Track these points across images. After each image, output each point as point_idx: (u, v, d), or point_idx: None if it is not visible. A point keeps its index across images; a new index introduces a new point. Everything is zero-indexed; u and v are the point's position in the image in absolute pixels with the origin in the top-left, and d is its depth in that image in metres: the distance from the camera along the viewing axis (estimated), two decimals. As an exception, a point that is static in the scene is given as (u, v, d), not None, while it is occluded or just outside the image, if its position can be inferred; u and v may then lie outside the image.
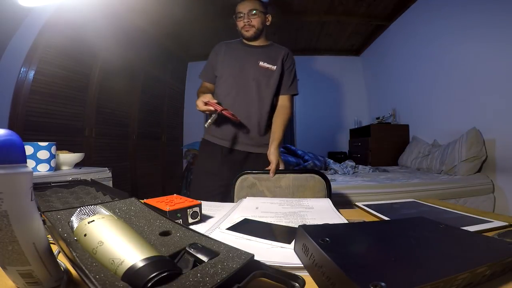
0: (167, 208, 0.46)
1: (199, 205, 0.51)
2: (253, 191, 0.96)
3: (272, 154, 1.03)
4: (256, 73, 1.17)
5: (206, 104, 1.00)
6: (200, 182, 1.18)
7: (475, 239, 0.35)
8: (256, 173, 0.99)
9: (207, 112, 1.03)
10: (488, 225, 0.47)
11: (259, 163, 1.09)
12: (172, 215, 0.46)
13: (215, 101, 1.01)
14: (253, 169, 1.01)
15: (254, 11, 1.16)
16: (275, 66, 1.19)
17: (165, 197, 0.54)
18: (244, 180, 0.97)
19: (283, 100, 1.22)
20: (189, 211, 0.49)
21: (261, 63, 1.18)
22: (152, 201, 0.51)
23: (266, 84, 1.18)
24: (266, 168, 1.00)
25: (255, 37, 1.20)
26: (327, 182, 0.93)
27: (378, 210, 0.58)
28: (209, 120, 1.02)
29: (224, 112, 1.00)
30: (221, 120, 1.11)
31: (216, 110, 0.99)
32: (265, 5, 1.21)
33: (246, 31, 1.18)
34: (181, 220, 0.47)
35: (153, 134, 3.41)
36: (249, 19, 1.16)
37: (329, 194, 0.92)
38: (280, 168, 1.02)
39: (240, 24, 1.18)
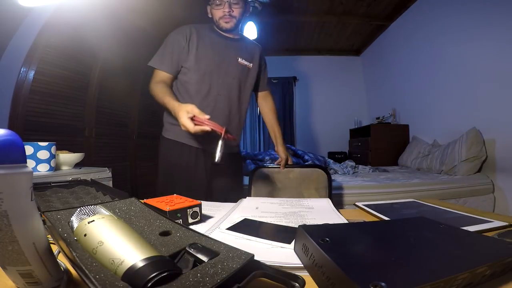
0: (167, 208, 0.46)
1: (199, 205, 0.51)
2: (266, 181, 1.15)
3: (282, 151, 1.17)
4: (236, 70, 1.08)
5: (195, 121, 0.78)
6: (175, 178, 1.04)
7: (475, 239, 0.35)
8: (269, 167, 1.20)
9: (199, 133, 0.78)
10: (488, 225, 0.47)
11: (234, 164, 1.14)
12: (172, 215, 0.46)
13: (207, 116, 0.78)
14: (227, 169, 1.07)
15: (237, 0, 1.02)
16: (251, 64, 1.12)
17: (165, 197, 0.54)
18: (259, 173, 1.16)
19: (265, 96, 1.23)
20: (189, 211, 0.49)
21: (240, 60, 1.09)
22: (152, 201, 0.51)
23: (245, 83, 1.11)
24: (276, 163, 1.17)
25: (232, 30, 1.08)
26: (328, 175, 1.08)
27: (378, 210, 0.58)
28: (218, 152, 0.77)
29: (227, 136, 0.79)
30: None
31: (220, 134, 0.76)
32: None
33: (226, 22, 1.04)
34: (181, 220, 0.47)
35: (153, 134, 3.39)
36: (230, 9, 1.02)
37: (330, 186, 1.05)
38: (288, 163, 1.16)
39: (218, 13, 1.04)
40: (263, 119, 1.28)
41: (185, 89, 1.05)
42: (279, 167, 1.14)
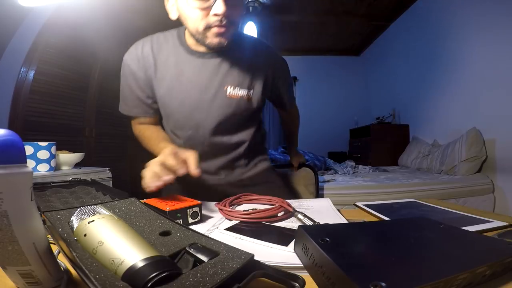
0: (167, 208, 0.46)
1: (199, 205, 0.51)
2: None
3: (295, 161, 1.08)
4: (223, 109, 0.70)
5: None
6: None
7: (475, 239, 0.35)
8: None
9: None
10: (488, 225, 0.47)
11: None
12: (172, 215, 0.46)
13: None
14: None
15: None
16: (252, 90, 0.72)
17: (165, 197, 0.54)
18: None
19: (291, 112, 0.95)
20: (189, 211, 0.49)
21: (229, 90, 0.69)
22: (152, 201, 0.51)
23: (243, 120, 0.75)
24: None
25: (224, 46, 0.64)
26: (315, 173, 1.07)
27: (378, 210, 0.58)
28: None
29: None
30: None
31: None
32: None
33: (219, 35, 0.61)
34: (181, 220, 0.47)
35: (153, 134, 3.40)
36: (226, 10, 0.57)
37: (317, 183, 1.05)
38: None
39: (199, 15, 0.59)
40: (282, 125, 1.11)
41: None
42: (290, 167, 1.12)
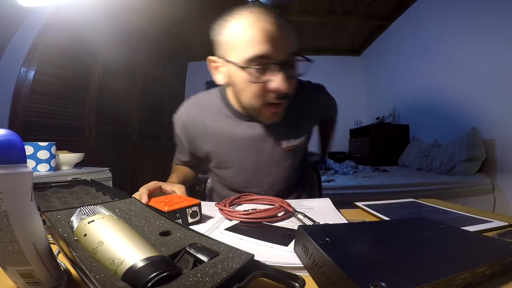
0: (165, 208, 0.46)
1: (198, 205, 0.50)
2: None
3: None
4: (280, 162, 0.71)
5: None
6: None
7: (475, 239, 0.35)
8: None
9: None
10: (488, 225, 0.47)
11: None
12: (171, 215, 0.45)
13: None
14: None
15: (296, 56, 0.55)
16: (305, 136, 0.72)
17: (164, 197, 0.54)
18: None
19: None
20: (188, 211, 0.49)
21: (284, 144, 0.69)
22: (151, 201, 0.51)
23: (297, 162, 0.74)
24: None
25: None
26: (317, 173, 1.03)
27: (378, 210, 0.58)
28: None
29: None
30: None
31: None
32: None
33: (275, 114, 0.59)
34: (180, 220, 0.47)
35: (153, 134, 3.41)
36: (285, 84, 0.53)
37: (320, 184, 1.01)
38: None
39: (256, 92, 0.55)
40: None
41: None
42: None
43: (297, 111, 0.69)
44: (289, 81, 0.54)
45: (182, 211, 0.48)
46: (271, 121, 0.62)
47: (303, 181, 0.82)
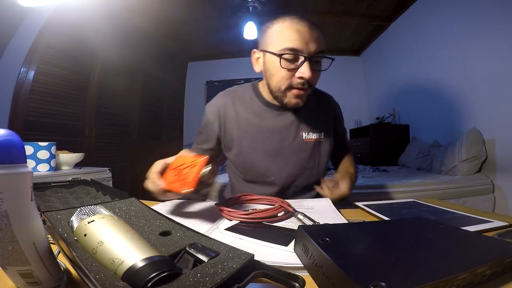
0: (184, 189, 0.42)
1: (206, 161, 0.45)
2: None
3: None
4: (300, 152, 0.77)
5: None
6: None
7: (475, 239, 0.35)
8: None
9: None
10: (488, 225, 0.47)
11: None
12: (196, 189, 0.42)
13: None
14: None
15: (322, 54, 0.66)
16: (323, 132, 0.80)
17: (171, 173, 0.48)
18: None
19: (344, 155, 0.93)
20: (204, 173, 0.45)
21: (304, 136, 0.77)
22: (168, 182, 0.47)
23: (318, 162, 0.80)
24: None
25: (299, 107, 0.72)
26: None
27: (378, 210, 0.58)
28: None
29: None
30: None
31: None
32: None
33: (298, 97, 0.68)
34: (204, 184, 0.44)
35: (153, 134, 3.41)
36: (311, 73, 0.63)
37: None
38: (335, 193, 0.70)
39: (285, 76, 0.65)
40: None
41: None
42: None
43: (316, 110, 0.81)
44: (314, 73, 0.65)
45: (200, 182, 0.44)
46: (294, 105, 0.70)
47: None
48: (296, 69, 0.64)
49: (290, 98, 0.69)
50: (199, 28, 3.38)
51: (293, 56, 0.64)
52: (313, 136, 0.78)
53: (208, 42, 3.74)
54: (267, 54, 0.68)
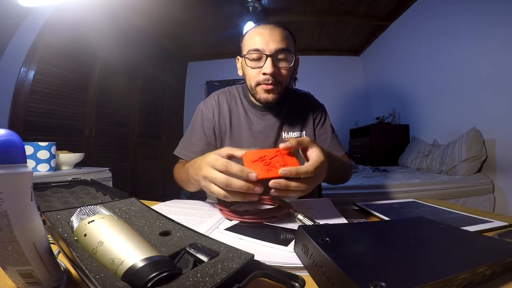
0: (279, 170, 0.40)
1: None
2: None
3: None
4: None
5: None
6: None
7: (475, 239, 0.35)
8: None
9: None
10: (488, 225, 0.47)
11: None
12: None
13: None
14: None
15: (284, 52, 0.70)
16: (303, 132, 0.84)
17: (257, 159, 0.45)
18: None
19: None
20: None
21: (284, 135, 0.82)
22: (248, 164, 0.43)
23: None
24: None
25: (275, 103, 0.77)
26: None
27: (378, 210, 0.58)
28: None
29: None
30: None
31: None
32: (295, 40, 0.76)
33: (267, 92, 0.73)
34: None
35: (153, 134, 3.41)
36: (274, 68, 0.69)
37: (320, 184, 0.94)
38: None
39: (253, 74, 0.73)
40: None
41: None
42: None
43: (297, 109, 0.85)
44: (278, 69, 0.71)
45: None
46: (265, 100, 0.75)
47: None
48: (261, 67, 0.71)
49: (261, 93, 0.74)
50: (199, 28, 3.37)
51: (256, 55, 0.71)
52: (293, 135, 0.82)
53: (208, 42, 3.74)
54: (241, 58, 0.77)
